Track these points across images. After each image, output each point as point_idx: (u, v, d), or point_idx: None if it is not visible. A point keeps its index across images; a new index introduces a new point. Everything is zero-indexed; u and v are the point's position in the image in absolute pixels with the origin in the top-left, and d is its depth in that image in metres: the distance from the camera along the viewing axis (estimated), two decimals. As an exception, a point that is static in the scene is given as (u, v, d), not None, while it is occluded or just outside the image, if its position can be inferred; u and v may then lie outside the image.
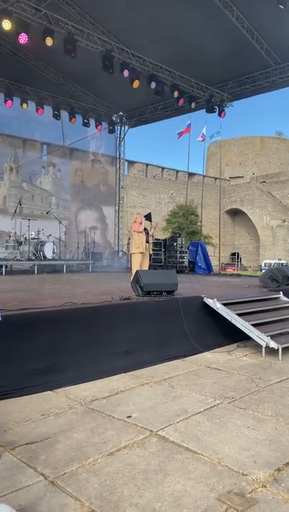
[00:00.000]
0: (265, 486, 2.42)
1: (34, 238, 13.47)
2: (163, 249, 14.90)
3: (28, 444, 2.93)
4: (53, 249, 13.79)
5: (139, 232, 8.35)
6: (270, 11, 10.09)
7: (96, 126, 17.05)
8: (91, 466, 2.64)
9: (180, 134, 20.13)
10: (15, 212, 13.51)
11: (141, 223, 8.44)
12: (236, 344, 6.04)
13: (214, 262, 21.73)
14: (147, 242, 8.62)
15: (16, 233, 13.27)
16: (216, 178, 40.89)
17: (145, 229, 8.70)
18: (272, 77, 13.45)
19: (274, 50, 12.52)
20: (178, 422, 3.31)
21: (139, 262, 8.31)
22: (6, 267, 12.06)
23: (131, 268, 8.81)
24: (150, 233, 9.19)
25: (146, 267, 8.43)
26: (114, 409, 3.60)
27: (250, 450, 2.87)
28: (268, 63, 13.01)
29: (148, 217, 12.75)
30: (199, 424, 3.28)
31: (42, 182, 16.68)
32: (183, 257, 14.55)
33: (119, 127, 18.60)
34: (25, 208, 14.30)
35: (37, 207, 15.89)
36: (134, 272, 8.21)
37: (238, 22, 11.23)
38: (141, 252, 8.33)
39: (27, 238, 13.26)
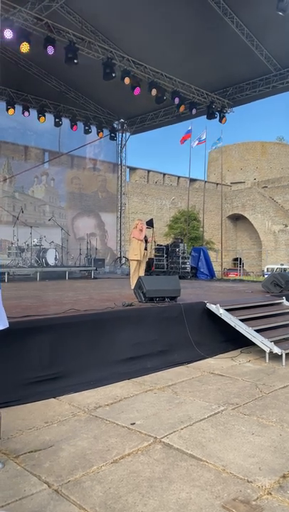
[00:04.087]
0: (270, 493, 2.40)
1: (36, 245, 13.51)
2: (165, 255, 14.90)
3: (31, 451, 2.92)
4: (55, 255, 13.81)
5: (139, 240, 8.37)
6: (270, 17, 10.15)
7: (97, 133, 17.13)
8: (95, 473, 2.63)
9: (182, 139, 20.25)
10: (17, 219, 13.57)
11: (141, 230, 8.46)
12: (240, 350, 6.02)
13: (216, 268, 21.70)
14: (146, 249, 8.64)
15: (18, 240, 13.31)
16: (217, 184, 40.97)
17: (145, 237, 8.72)
18: (272, 83, 13.51)
19: (274, 56, 12.59)
20: (182, 429, 3.30)
21: (134, 269, 8.37)
22: (9, 273, 12.08)
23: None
24: (149, 240, 9.21)
25: (142, 273, 8.46)
26: (117, 416, 3.58)
27: (255, 457, 2.85)
28: (268, 69, 13.08)
29: (150, 223, 12.76)
30: (203, 431, 3.27)
31: (34, 191, 16.69)
32: (185, 263, 14.54)
33: (120, 134, 18.70)
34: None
35: (30, 215, 15.89)
36: (131, 278, 8.27)
37: (238, 29, 11.30)
38: (138, 260, 8.37)
39: (29, 245, 13.29)
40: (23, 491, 2.43)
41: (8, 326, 3.00)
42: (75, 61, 10.55)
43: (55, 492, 2.42)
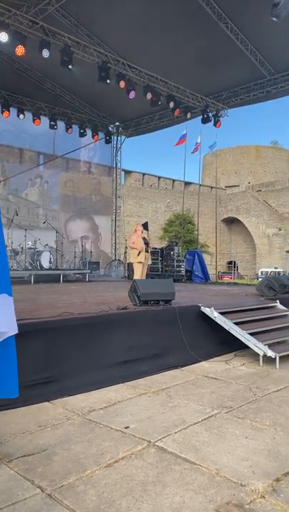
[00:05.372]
0: (263, 497, 2.41)
1: (30, 248, 13.46)
2: (160, 258, 14.91)
3: (25, 456, 2.91)
4: (50, 258, 13.76)
5: (136, 248, 8.54)
6: (264, 23, 10.22)
7: (92, 137, 17.15)
8: (89, 478, 2.62)
9: (177, 143, 20.35)
10: (12, 221, 13.53)
11: (142, 232, 8.66)
12: (234, 353, 6.03)
13: (211, 271, 21.75)
14: (147, 251, 8.73)
15: (12, 243, 13.27)
16: (212, 187, 41.07)
17: (144, 239, 8.81)
18: (266, 88, 13.61)
19: (268, 61, 12.69)
20: (176, 433, 3.29)
21: (140, 272, 8.47)
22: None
23: (129, 277, 8.99)
24: (150, 245, 9.31)
25: (143, 276, 8.53)
26: (111, 419, 3.57)
27: (249, 460, 2.85)
28: (262, 74, 13.17)
29: (145, 226, 12.79)
30: (197, 435, 3.27)
31: (28, 194, 16.64)
32: (180, 266, 14.56)
33: (115, 137, 18.73)
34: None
35: (24, 218, 15.83)
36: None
37: (233, 34, 11.38)
38: (141, 262, 8.47)
39: (23, 248, 13.25)
40: (16, 495, 2.42)
41: (17, 331, 2.93)
42: (70, 67, 10.58)
43: (48, 496, 2.41)
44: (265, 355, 5.41)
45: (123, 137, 18.80)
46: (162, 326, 5.69)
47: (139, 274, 8.41)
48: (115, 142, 18.86)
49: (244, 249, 39.18)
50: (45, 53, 10.15)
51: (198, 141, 22.53)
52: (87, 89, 14.60)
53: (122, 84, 11.99)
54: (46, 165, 17.03)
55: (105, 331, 5.06)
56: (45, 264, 13.46)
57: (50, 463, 2.81)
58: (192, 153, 22.63)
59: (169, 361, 5.39)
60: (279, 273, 26.93)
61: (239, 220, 38.91)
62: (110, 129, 18.17)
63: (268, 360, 5.43)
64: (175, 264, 14.50)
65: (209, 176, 46.46)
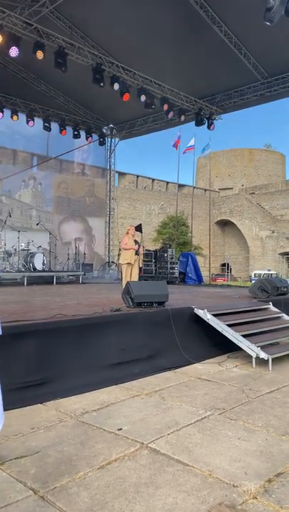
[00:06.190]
0: (256, 498, 2.42)
1: (24, 249, 13.42)
2: (154, 260, 14.93)
3: (17, 458, 2.90)
4: (43, 260, 13.73)
5: (127, 249, 8.59)
6: (258, 27, 10.29)
7: (86, 138, 17.16)
8: (81, 479, 2.62)
9: (176, 145, 20.43)
10: (5, 223, 13.48)
11: (133, 235, 8.69)
12: (227, 355, 6.05)
13: (204, 273, 21.81)
14: (137, 254, 8.76)
15: (5, 244, 13.22)
16: (205, 190, 41.21)
17: (136, 241, 8.84)
18: (259, 91, 13.70)
19: (261, 64, 12.78)
20: (169, 434, 3.30)
21: (126, 273, 8.52)
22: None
23: (122, 278, 9.05)
24: (140, 250, 9.34)
25: (135, 278, 8.57)
26: (104, 421, 3.57)
27: (241, 461, 2.87)
28: (255, 77, 13.25)
29: (138, 228, 12.82)
30: (190, 436, 3.27)
31: (21, 195, 16.60)
32: (173, 268, 14.59)
33: (109, 139, 18.74)
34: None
35: (17, 220, 15.78)
36: (123, 282, 8.38)
37: (226, 37, 11.45)
38: (128, 263, 8.51)
39: (16, 249, 13.20)
40: (9, 497, 2.41)
41: (0, 333, 2.94)
42: (65, 66, 10.58)
43: (40, 499, 2.41)
44: (257, 357, 5.44)
45: (117, 139, 18.82)
46: (156, 328, 5.70)
47: (124, 274, 8.52)
48: (109, 144, 18.88)
49: (237, 252, 39.32)
50: (40, 55, 10.15)
51: (193, 144, 22.62)
52: (81, 91, 14.61)
53: (116, 86, 12.01)
54: (40, 166, 16.99)
55: (99, 332, 5.06)
56: (39, 266, 13.42)
57: (43, 465, 2.80)
58: (184, 152, 22.70)
59: (163, 363, 5.40)
60: (272, 275, 27.09)
61: (233, 223, 39.07)
62: (104, 131, 18.16)
63: (261, 362, 5.45)
64: (169, 266, 14.53)
65: (203, 179, 46.61)
